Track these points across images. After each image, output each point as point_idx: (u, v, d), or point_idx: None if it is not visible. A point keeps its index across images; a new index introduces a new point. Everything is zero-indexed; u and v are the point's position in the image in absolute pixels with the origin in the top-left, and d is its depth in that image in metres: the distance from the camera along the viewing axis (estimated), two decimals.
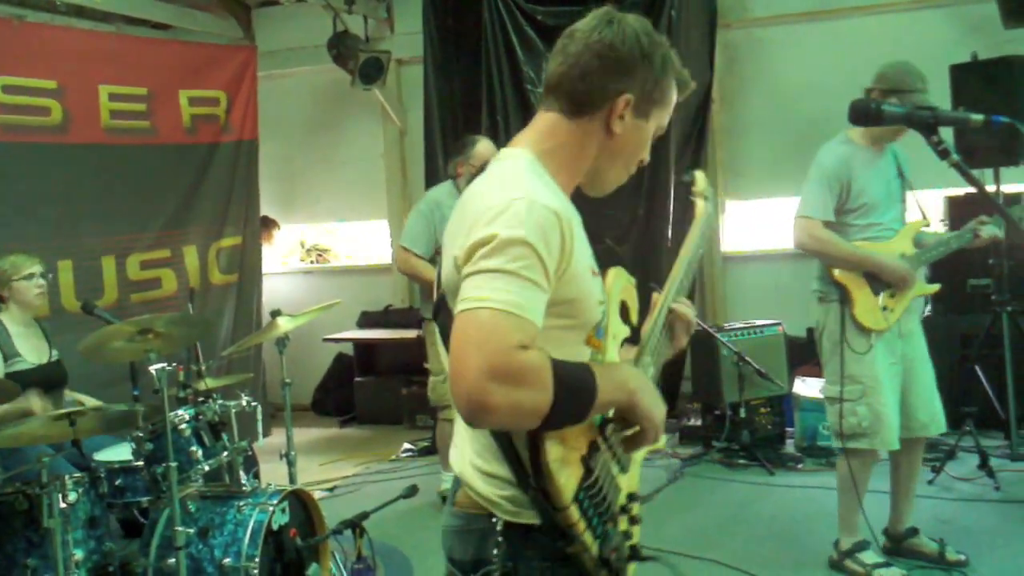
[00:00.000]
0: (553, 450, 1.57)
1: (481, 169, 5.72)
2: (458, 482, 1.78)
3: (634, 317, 1.91)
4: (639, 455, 1.84)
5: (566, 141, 1.76)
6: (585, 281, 1.68)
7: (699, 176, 2.25)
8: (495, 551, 1.67)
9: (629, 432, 1.74)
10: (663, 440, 1.89)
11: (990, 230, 4.05)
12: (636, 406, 1.67)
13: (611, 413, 1.72)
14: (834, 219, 3.91)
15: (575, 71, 1.73)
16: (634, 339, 1.94)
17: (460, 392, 1.46)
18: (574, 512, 1.59)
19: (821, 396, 5.90)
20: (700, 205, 2.21)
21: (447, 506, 1.81)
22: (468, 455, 1.74)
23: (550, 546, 1.64)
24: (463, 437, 1.77)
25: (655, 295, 2.01)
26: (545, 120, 1.78)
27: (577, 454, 1.62)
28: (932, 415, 4.06)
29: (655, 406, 1.70)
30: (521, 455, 1.61)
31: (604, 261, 1.80)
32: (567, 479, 1.58)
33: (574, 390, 1.54)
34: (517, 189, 1.61)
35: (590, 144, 1.76)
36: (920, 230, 4.10)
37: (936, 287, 4.15)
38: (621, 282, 1.87)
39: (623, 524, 1.74)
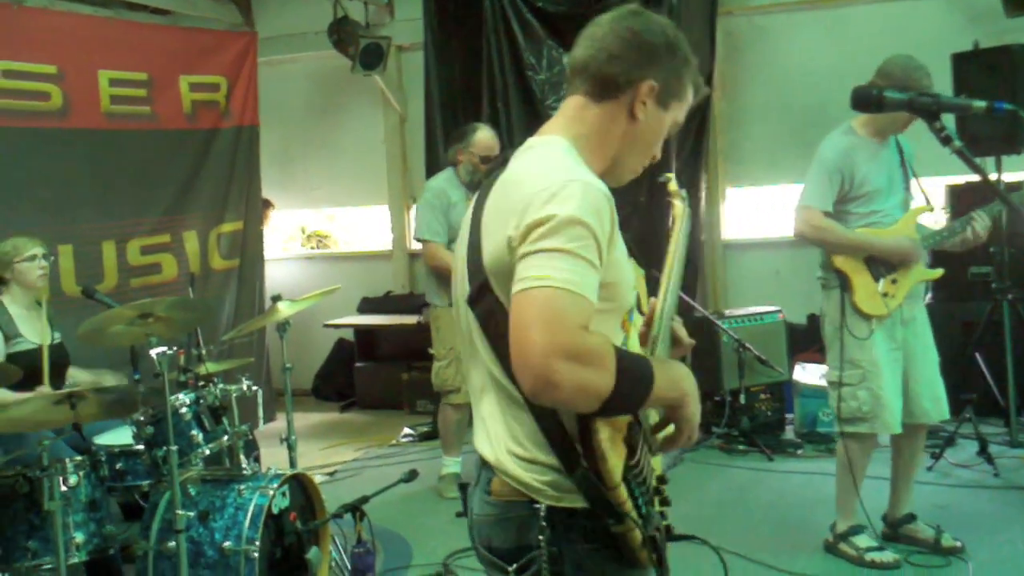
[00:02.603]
0: (603, 430, 1.59)
1: (485, 159, 5.63)
2: (488, 471, 1.78)
3: (645, 307, 1.97)
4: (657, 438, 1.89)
5: (594, 126, 1.80)
6: (623, 265, 1.72)
7: (671, 178, 2.24)
8: (540, 536, 1.68)
9: (665, 431, 1.79)
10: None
11: (983, 223, 4.03)
12: (683, 407, 1.72)
13: None
14: (832, 209, 3.93)
15: (602, 54, 1.77)
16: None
17: (526, 369, 1.50)
18: (623, 491, 1.62)
19: (821, 383, 5.95)
20: (678, 206, 2.19)
21: (479, 494, 1.81)
22: (503, 443, 1.74)
23: (593, 529, 1.69)
24: (495, 425, 1.76)
25: (652, 300, 2.00)
26: (573, 105, 1.82)
27: (621, 435, 1.65)
28: (935, 402, 4.08)
29: (697, 412, 1.75)
30: (571, 436, 1.63)
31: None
32: (616, 459, 1.61)
33: (635, 378, 1.59)
34: (568, 172, 1.65)
35: (615, 129, 1.80)
36: (921, 216, 4.11)
37: (939, 272, 4.15)
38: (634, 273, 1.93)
39: (656, 505, 1.79)
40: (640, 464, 1.68)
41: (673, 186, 2.22)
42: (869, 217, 3.97)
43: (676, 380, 1.70)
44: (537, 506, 1.69)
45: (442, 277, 5.20)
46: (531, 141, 1.82)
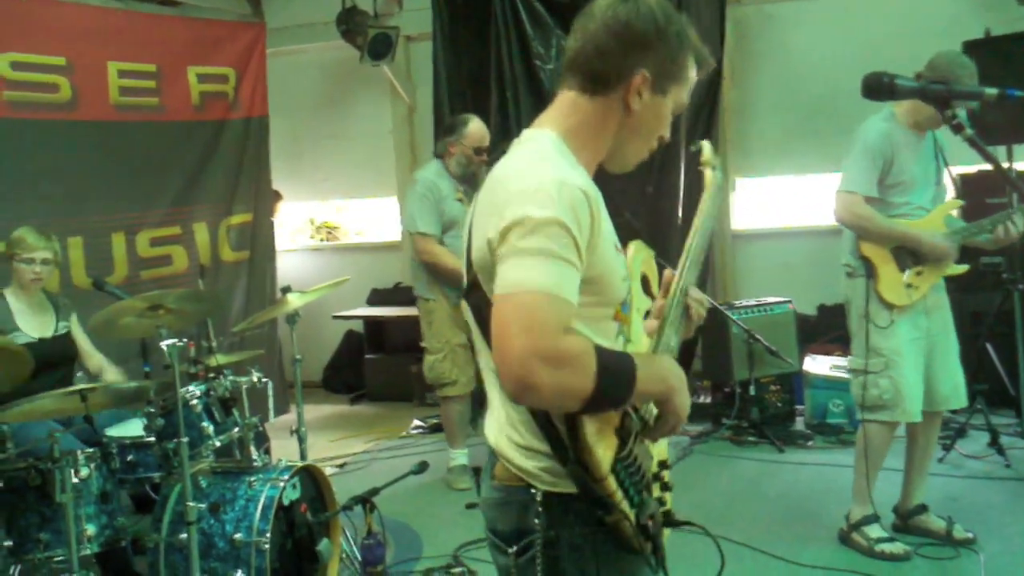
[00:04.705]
0: (590, 425, 1.62)
1: (477, 151, 5.59)
2: (494, 456, 1.81)
3: (654, 289, 1.98)
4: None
5: (587, 119, 1.78)
6: (610, 258, 1.71)
7: (706, 145, 2.21)
8: (536, 520, 1.72)
9: (653, 419, 1.78)
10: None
11: (1016, 228, 3.96)
12: (669, 401, 1.73)
13: None
14: (877, 195, 3.90)
15: (591, 49, 1.75)
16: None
17: (507, 373, 1.52)
18: (612, 482, 1.65)
19: (831, 374, 5.94)
20: (708, 175, 2.18)
21: (486, 478, 1.85)
22: (503, 427, 1.78)
23: (590, 513, 1.70)
24: (496, 409, 1.81)
25: (668, 272, 2.02)
26: (565, 99, 1.81)
27: (611, 427, 1.67)
28: (954, 388, 4.10)
29: (685, 404, 1.75)
30: (560, 430, 1.65)
31: (623, 235, 1.85)
32: (604, 451, 1.64)
33: (616, 377, 1.59)
34: (546, 170, 1.64)
35: (610, 121, 1.79)
36: (952, 211, 4.10)
37: (964, 268, 4.12)
38: (642, 255, 1.94)
39: (656, 491, 1.82)
40: (632, 454, 1.70)
41: (707, 155, 2.19)
42: (903, 208, 3.95)
43: (661, 375, 1.72)
44: (534, 491, 1.73)
45: (435, 271, 5.16)
46: (525, 133, 1.82)
